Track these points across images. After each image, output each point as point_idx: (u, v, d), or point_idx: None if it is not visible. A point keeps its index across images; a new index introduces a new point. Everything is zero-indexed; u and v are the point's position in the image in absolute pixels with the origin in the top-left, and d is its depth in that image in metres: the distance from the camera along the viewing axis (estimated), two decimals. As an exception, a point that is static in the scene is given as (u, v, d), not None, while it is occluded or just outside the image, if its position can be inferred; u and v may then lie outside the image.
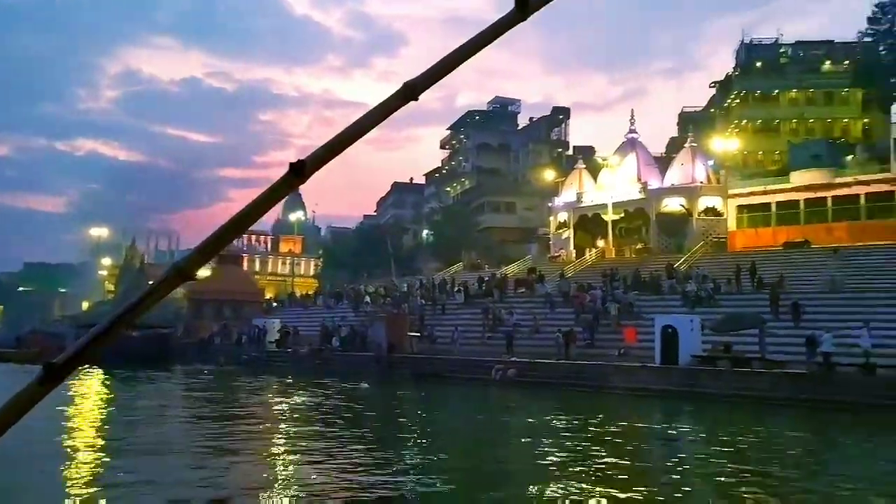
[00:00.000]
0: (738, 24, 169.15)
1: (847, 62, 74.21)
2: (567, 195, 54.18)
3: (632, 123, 52.78)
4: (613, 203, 48.48)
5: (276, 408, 23.94)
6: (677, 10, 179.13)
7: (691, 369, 25.97)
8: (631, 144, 52.00)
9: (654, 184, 49.30)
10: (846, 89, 72.47)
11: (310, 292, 74.16)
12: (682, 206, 47.38)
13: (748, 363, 25.35)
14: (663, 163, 55.48)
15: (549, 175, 65.10)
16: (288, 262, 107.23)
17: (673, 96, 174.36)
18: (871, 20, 71.42)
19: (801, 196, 49.58)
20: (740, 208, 49.36)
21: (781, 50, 78.44)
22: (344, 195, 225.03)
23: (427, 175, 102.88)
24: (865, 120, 73.00)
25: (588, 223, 51.80)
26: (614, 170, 50.03)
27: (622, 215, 49.59)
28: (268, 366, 36.54)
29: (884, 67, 70.76)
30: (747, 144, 69.82)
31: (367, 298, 47.13)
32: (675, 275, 37.42)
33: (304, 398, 25.59)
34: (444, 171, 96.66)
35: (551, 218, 55.65)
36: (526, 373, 28.48)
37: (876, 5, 70.99)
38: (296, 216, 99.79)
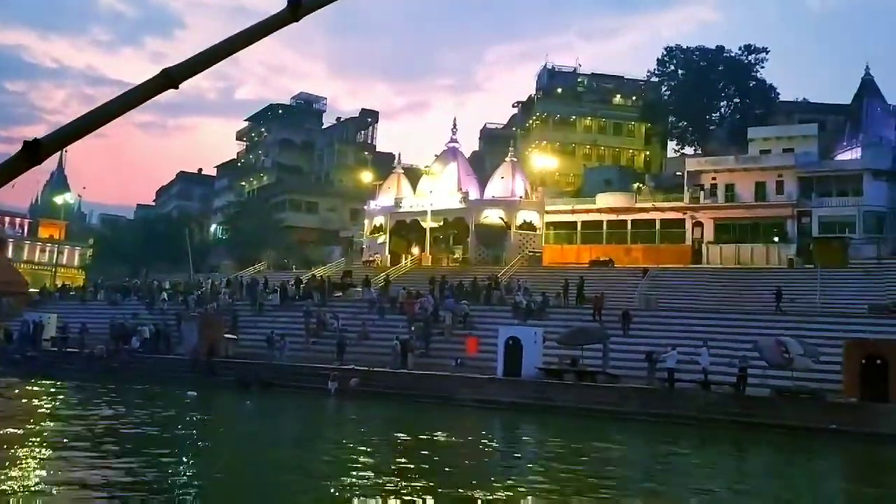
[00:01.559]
0: (517, 51, 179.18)
1: (635, 98, 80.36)
2: (384, 199, 52.89)
3: (454, 133, 52.86)
4: (433, 211, 47.93)
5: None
6: (463, 32, 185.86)
7: (540, 382, 25.65)
8: (452, 153, 51.91)
9: (473, 194, 49.50)
10: (633, 123, 78.38)
11: (74, 284, 66.48)
12: (502, 218, 48.01)
13: (593, 377, 25.48)
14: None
15: (365, 177, 63.48)
16: (48, 249, 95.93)
17: (455, 112, 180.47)
18: (659, 62, 78.01)
19: (604, 217, 52.35)
20: (550, 225, 51.15)
21: (579, 79, 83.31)
22: (112, 181, 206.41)
23: (219, 167, 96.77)
24: (647, 152, 79.50)
25: (405, 229, 50.88)
26: (435, 177, 49.56)
27: (441, 223, 49.21)
28: (49, 368, 31.20)
29: (665, 107, 77.58)
30: (546, 164, 72.92)
31: (164, 295, 42.36)
32: (500, 286, 37.39)
33: (119, 409, 21.70)
34: (241, 165, 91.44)
35: (366, 221, 54.10)
36: (367, 383, 26.53)
37: (665, 49, 77.68)
38: (61, 198, 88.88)
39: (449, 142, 52.65)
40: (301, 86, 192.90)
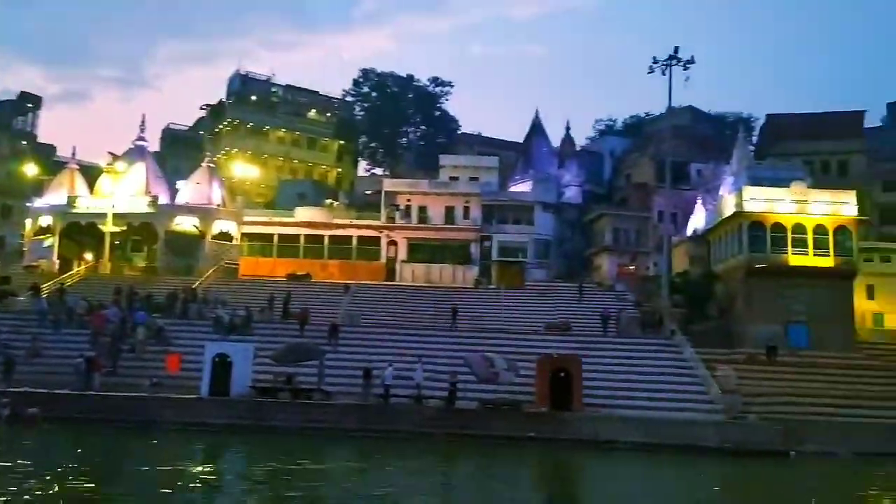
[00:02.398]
0: (191, 50, 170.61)
1: (329, 114, 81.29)
2: (53, 197, 46.57)
3: (142, 130, 48.41)
4: (115, 214, 43.27)
5: None
6: (129, 18, 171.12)
7: (253, 401, 24.24)
8: (140, 153, 47.46)
9: (163, 199, 45.79)
10: (327, 139, 79.13)
11: None
12: (196, 226, 44.97)
13: (309, 395, 24.80)
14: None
15: (29, 170, 55.26)
16: None
17: (122, 108, 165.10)
18: (355, 82, 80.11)
19: (302, 231, 51.94)
20: (246, 236, 49.33)
21: (273, 89, 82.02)
22: None
23: None
24: (339, 169, 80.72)
25: (79, 232, 45.26)
26: (118, 177, 44.86)
27: (124, 228, 44.59)
28: None
29: (358, 126, 79.87)
30: (235, 173, 70.36)
31: None
32: (198, 299, 34.94)
33: None
34: None
35: (28, 220, 47.16)
36: (48, 408, 22.74)
37: (361, 70, 79.98)
38: None
39: (136, 139, 48.09)
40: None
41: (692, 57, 40.28)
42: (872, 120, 62.04)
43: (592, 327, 36.02)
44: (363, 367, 25.69)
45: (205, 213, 45.65)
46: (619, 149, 66.75)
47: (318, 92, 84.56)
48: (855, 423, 26.71)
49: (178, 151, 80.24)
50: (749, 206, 39.95)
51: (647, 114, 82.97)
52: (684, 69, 40.40)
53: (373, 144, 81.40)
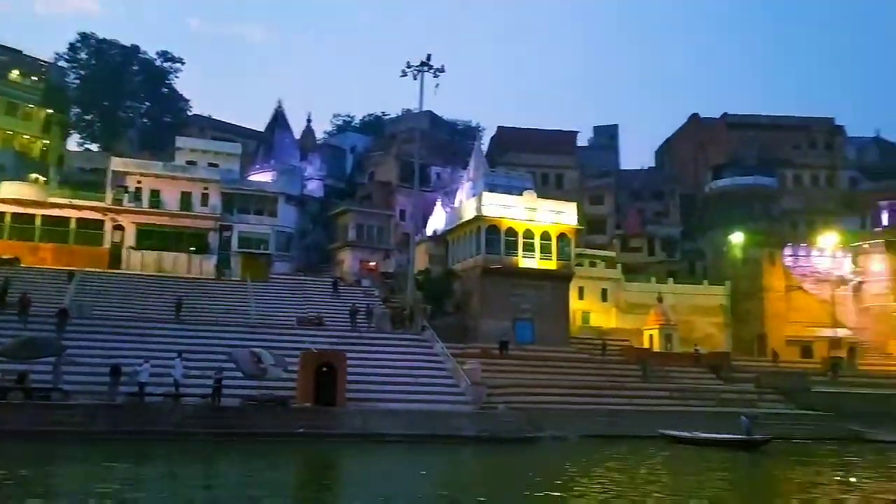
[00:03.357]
0: None
1: (35, 78, 72.20)
2: None
3: None
4: None
5: None
6: None
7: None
8: None
9: None
10: (31, 105, 70.16)
11: None
12: None
13: (46, 395, 21.97)
14: None
15: None
16: None
17: None
18: (71, 46, 71.97)
19: (8, 209, 45.69)
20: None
21: (-36, 43, 71.05)
22: None
23: None
24: (46, 141, 72.05)
25: None
26: None
27: None
28: None
29: (70, 96, 72.02)
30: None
31: None
32: None
33: None
34: None
35: None
36: None
37: (79, 34, 72.09)
38: None
39: None
40: None
41: (443, 66, 42.32)
42: (582, 140, 69.88)
43: (345, 322, 36.23)
44: (110, 364, 23.33)
45: None
46: (359, 145, 67.80)
47: (21, 51, 74.58)
48: (578, 409, 30.03)
49: None
50: (487, 211, 42.98)
51: (384, 113, 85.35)
52: (434, 76, 42.36)
53: (88, 117, 73.86)
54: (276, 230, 51.32)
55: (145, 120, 75.18)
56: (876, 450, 26.92)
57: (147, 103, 75.02)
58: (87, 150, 71.43)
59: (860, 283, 50.50)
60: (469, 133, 77.69)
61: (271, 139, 60.62)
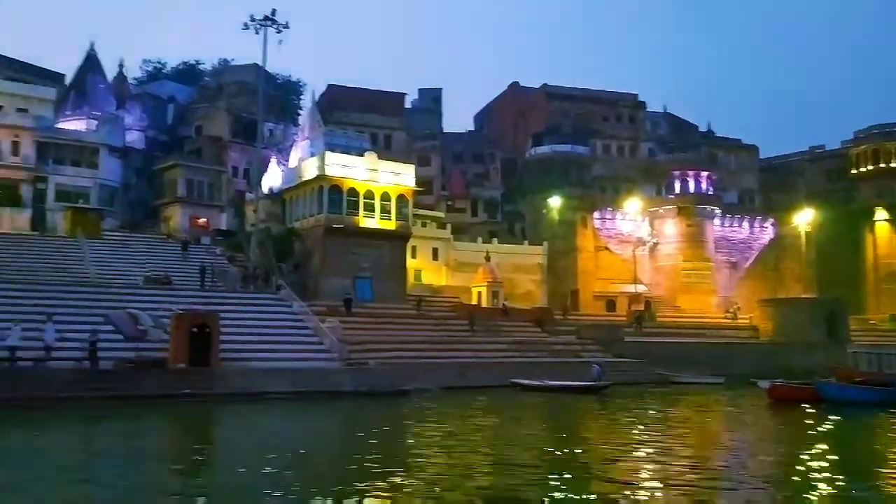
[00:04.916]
0: None
1: None
2: None
3: None
4: None
5: None
6: None
7: None
8: None
9: None
10: None
11: None
12: None
13: None
14: None
15: None
16: None
17: None
18: None
19: None
20: None
21: None
22: None
23: None
24: None
25: None
26: None
27: None
28: None
29: None
30: None
31: None
32: None
33: None
34: None
35: None
36: None
37: None
38: None
39: None
40: None
41: (287, 22, 42.11)
42: (406, 103, 71.44)
43: (193, 282, 35.77)
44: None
45: None
46: (178, 96, 64.80)
47: None
48: (430, 363, 32.36)
49: None
50: (329, 171, 43.74)
51: (198, 62, 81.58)
52: (278, 31, 42.12)
53: None
54: (98, 183, 48.51)
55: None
56: (682, 390, 32.01)
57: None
58: None
59: (656, 244, 57.36)
60: (292, 88, 76.69)
61: (83, 84, 56.44)
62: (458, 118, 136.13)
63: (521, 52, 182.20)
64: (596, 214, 56.81)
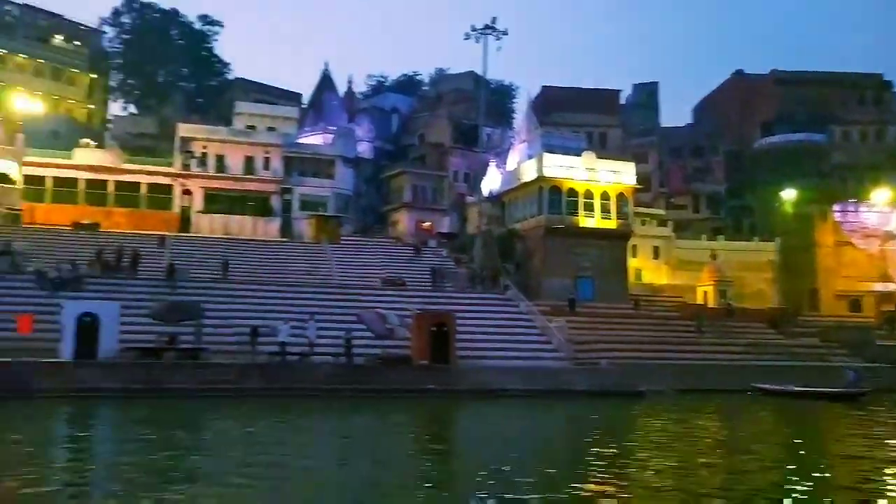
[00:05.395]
0: None
1: (79, 43, 72.90)
2: None
3: None
4: None
5: None
6: None
7: (147, 364, 22.60)
8: None
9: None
10: (75, 70, 71.00)
11: None
12: (-33, 165, 38.81)
13: (196, 355, 23.70)
14: None
15: None
16: None
17: None
18: (115, 11, 72.58)
19: (83, 175, 47.03)
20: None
21: (7, 7, 71.49)
22: None
23: None
24: (90, 105, 73.13)
25: None
26: None
27: None
28: None
29: (111, 60, 73.01)
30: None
31: None
32: (11, 251, 30.74)
33: None
34: None
35: None
36: None
37: (126, -2, 72.60)
38: None
39: None
40: None
41: (506, 29, 43.25)
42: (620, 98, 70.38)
43: (423, 282, 37.76)
44: (249, 325, 25.02)
45: (-23, 151, 39.54)
46: (401, 107, 68.63)
47: (62, 16, 75.08)
48: (664, 364, 31.66)
49: None
50: (548, 172, 44.17)
51: (416, 73, 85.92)
52: (497, 39, 43.37)
53: (131, 81, 74.84)
54: (334, 192, 52.67)
55: (186, 84, 75.95)
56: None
57: (188, 68, 75.74)
58: (132, 114, 72.34)
59: (908, 237, 51.78)
60: (505, 92, 78.43)
61: (320, 101, 61.59)
62: (675, 112, 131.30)
63: (744, 39, 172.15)
64: (836, 207, 52.42)
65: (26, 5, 72.52)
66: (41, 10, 73.37)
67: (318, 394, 22.78)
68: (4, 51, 66.38)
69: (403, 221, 53.83)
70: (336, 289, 33.82)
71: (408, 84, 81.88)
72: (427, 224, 53.89)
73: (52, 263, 30.54)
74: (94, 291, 28.57)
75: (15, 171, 41.05)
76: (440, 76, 76.24)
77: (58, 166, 46.31)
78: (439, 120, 59.82)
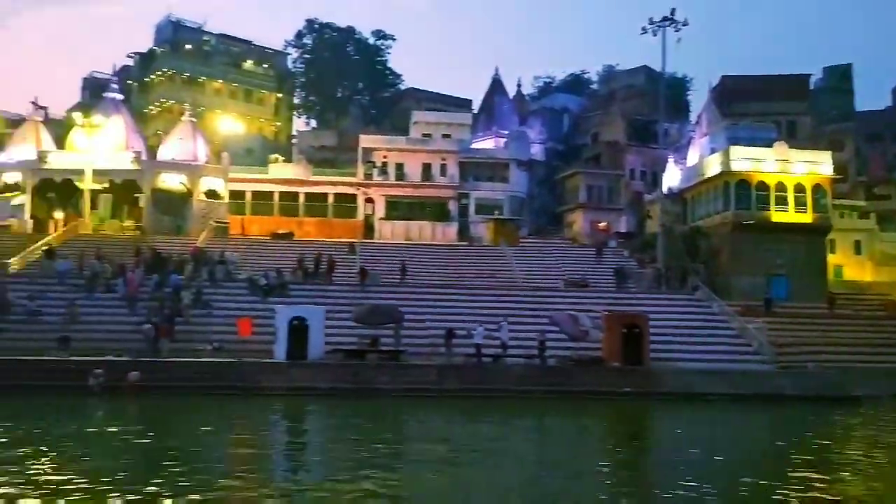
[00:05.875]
0: None
1: (266, 66, 78.26)
2: (19, 152, 42.99)
3: (114, 82, 45.28)
4: (95, 170, 40.49)
5: None
6: None
7: (354, 364, 23.93)
8: (115, 106, 44.45)
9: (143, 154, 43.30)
10: (264, 91, 76.30)
11: None
12: (183, 184, 42.78)
13: (397, 356, 24.69)
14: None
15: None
16: None
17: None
18: (298, 33, 77.48)
19: (277, 189, 50.39)
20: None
21: (206, 38, 77.93)
22: None
23: None
24: (277, 123, 78.30)
25: (52, 190, 42.15)
26: (93, 131, 41.85)
27: (106, 185, 41.88)
28: None
29: (301, 79, 77.85)
30: (168, 125, 66.94)
31: None
32: (225, 260, 33.54)
33: None
34: None
35: (-8, 176, 43.53)
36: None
37: (306, 21, 77.29)
38: None
39: (109, 90, 44.91)
40: None
41: (686, 20, 41.62)
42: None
43: (606, 283, 37.14)
44: (441, 327, 25.74)
45: (191, 170, 43.47)
46: (571, 106, 68.00)
47: (251, 42, 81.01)
48: (879, 368, 29.17)
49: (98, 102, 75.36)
50: (735, 166, 42.05)
51: (583, 72, 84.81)
52: (676, 31, 41.82)
53: (312, 98, 79.45)
54: (509, 195, 53.08)
55: (361, 97, 79.55)
56: None
57: (363, 81, 79.25)
58: (315, 129, 76.67)
59: None
60: (679, 85, 75.56)
61: (491, 106, 62.34)
62: (873, 94, 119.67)
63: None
64: None
65: (222, 34, 78.96)
66: (234, 37, 79.67)
67: (511, 395, 23.01)
68: (204, 77, 72.66)
69: (579, 222, 53.30)
70: (522, 291, 34.04)
71: (575, 83, 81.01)
72: (603, 224, 53.00)
73: (258, 271, 32.95)
74: (297, 297, 30.49)
75: (222, 187, 44.66)
76: (610, 73, 74.79)
77: (256, 181, 49.96)
78: (613, 118, 58.71)
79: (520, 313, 29.11)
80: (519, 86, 72.27)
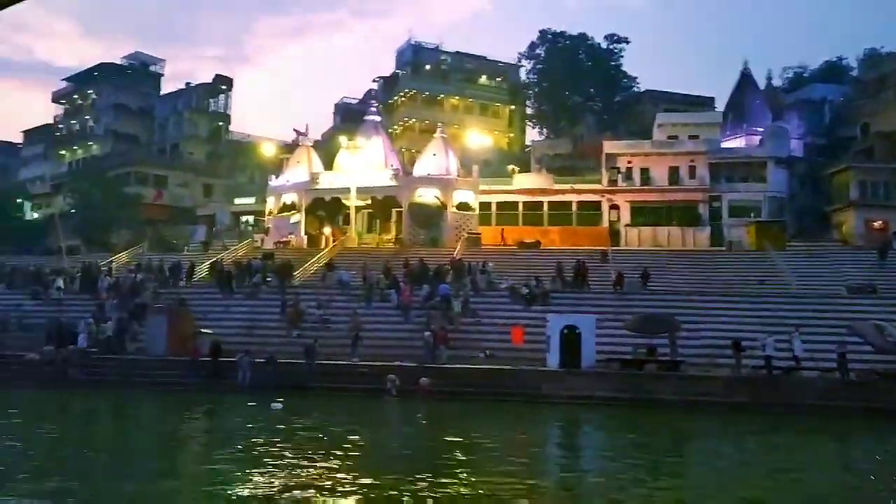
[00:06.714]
0: (288, 26, 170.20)
1: (500, 79, 79.77)
2: (294, 174, 47.42)
3: (372, 105, 48.53)
4: (359, 188, 43.48)
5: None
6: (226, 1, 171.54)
7: (631, 374, 23.36)
8: (374, 127, 47.69)
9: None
10: (497, 104, 77.78)
11: None
12: (437, 197, 44.74)
13: (676, 366, 23.66)
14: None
15: (268, 149, 57.05)
16: None
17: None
18: (531, 45, 78.38)
19: (521, 199, 50.85)
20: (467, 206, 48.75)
21: (442, 57, 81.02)
22: None
23: (27, 133, 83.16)
24: (511, 134, 79.46)
25: (321, 208, 45.93)
26: (355, 152, 45.05)
27: (368, 202, 44.93)
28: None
29: (533, 90, 78.50)
30: (411, 143, 70.15)
31: (60, 283, 34.48)
32: (487, 270, 34.41)
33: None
34: (60, 131, 79.12)
35: (271, 198, 48.28)
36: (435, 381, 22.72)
37: (539, 31, 78.04)
38: None
39: (368, 114, 48.26)
40: (46, 44, 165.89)
41: None
42: None
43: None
44: (734, 339, 24.26)
45: (445, 184, 45.35)
46: (832, 96, 62.13)
47: (485, 57, 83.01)
48: None
49: (352, 126, 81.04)
50: None
51: (840, 58, 77.30)
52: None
53: (544, 108, 79.76)
54: (767, 196, 49.47)
55: (594, 103, 78.51)
56: None
57: (595, 87, 78.19)
58: (549, 138, 76.91)
59: None
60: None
61: (740, 102, 58.63)
62: None
63: None
64: None
65: (457, 52, 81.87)
66: (468, 54, 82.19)
67: (807, 410, 21.05)
68: (442, 95, 75.80)
69: (850, 222, 48.31)
70: (803, 299, 31.37)
71: (831, 71, 73.99)
72: (879, 223, 47.63)
73: (511, 280, 33.34)
74: (557, 305, 30.40)
75: (473, 199, 46.03)
76: (874, 57, 67.27)
77: (501, 192, 50.87)
78: (886, 105, 52.74)
79: (805, 323, 26.72)
80: (769, 79, 67.55)
